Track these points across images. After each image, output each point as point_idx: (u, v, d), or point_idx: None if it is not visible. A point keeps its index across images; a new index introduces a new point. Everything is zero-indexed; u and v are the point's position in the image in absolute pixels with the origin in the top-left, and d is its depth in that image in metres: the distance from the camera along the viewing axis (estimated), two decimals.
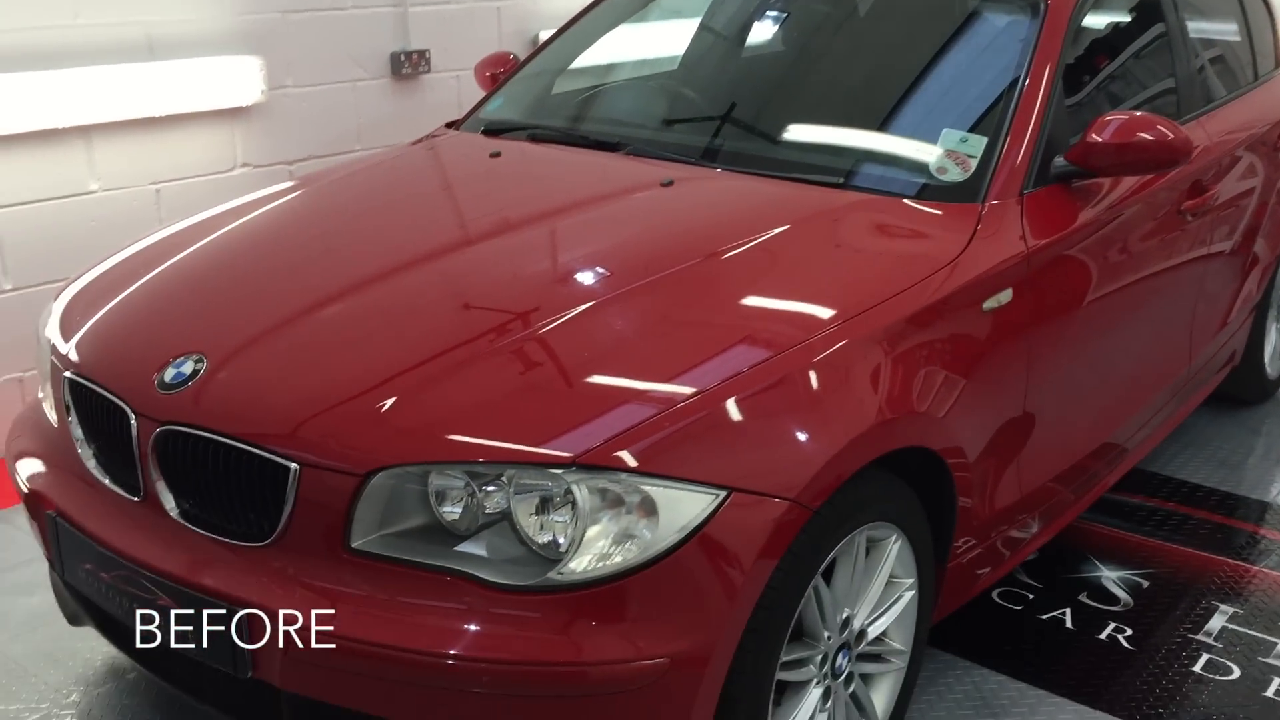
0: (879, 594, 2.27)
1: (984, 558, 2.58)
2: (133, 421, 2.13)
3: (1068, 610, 3.00)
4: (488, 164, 3.00)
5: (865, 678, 2.32)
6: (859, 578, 2.20)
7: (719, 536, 1.88)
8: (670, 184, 2.68)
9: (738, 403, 1.97)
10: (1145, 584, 3.11)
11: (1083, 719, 2.60)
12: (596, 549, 1.85)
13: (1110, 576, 3.14)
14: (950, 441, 2.30)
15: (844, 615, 2.19)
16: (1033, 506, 2.71)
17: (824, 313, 2.19)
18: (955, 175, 2.61)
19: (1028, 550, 2.80)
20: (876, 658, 2.34)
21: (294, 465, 1.93)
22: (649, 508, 1.86)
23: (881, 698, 2.36)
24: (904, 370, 2.21)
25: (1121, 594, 3.07)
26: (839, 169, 2.71)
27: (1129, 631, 2.91)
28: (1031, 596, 3.05)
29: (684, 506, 1.87)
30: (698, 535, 1.87)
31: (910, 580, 2.34)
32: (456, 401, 1.99)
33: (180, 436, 2.06)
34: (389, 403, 1.98)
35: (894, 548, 2.25)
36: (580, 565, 1.85)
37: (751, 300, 2.27)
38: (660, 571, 1.85)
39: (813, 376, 2.07)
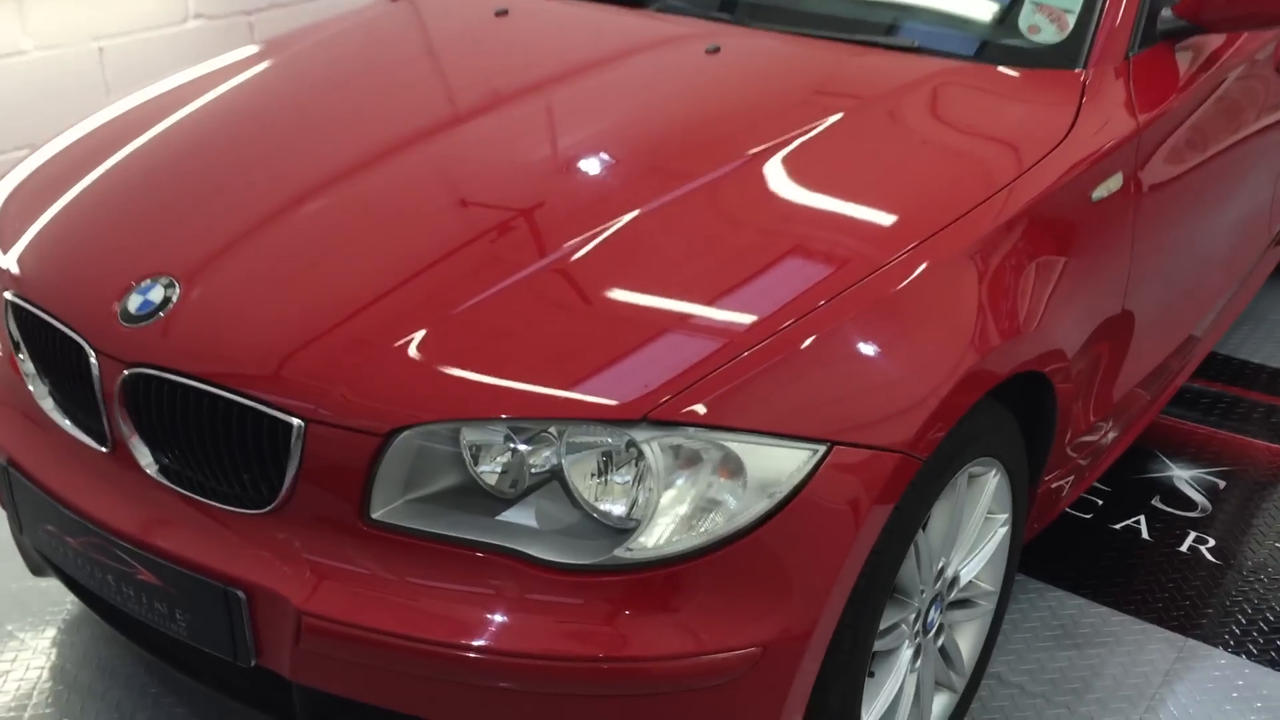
0: (974, 535, 1.98)
1: (1069, 474, 2.30)
2: (93, 360, 1.76)
3: (1142, 518, 2.73)
4: (492, 25, 2.56)
5: (953, 626, 2.06)
6: (956, 521, 1.91)
7: (819, 498, 1.56)
8: (716, 51, 2.27)
9: (829, 339, 1.62)
10: (1221, 484, 2.85)
11: (1174, 649, 2.36)
12: (673, 516, 1.54)
13: (1183, 476, 2.87)
14: (1057, 357, 1.98)
15: (939, 565, 1.90)
16: (1116, 412, 2.42)
17: (914, 222, 1.82)
18: (1050, 34, 2.22)
19: (1109, 460, 2.51)
20: (965, 603, 2.06)
21: (297, 421, 1.59)
22: (734, 467, 1.53)
23: (968, 643, 2.09)
24: (1011, 282, 1.86)
25: (1198, 497, 2.80)
26: (911, 29, 2.31)
27: (1211, 542, 2.65)
28: (1101, 503, 2.78)
29: (776, 465, 1.54)
30: (795, 498, 1.55)
31: (1005, 515, 2.04)
32: (489, 339, 1.63)
33: (153, 381, 1.70)
34: (411, 340, 1.61)
35: (992, 482, 1.96)
36: (655, 538, 1.53)
37: (825, 207, 1.89)
38: (752, 544, 1.53)
39: (912, 302, 1.72)
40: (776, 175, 1.92)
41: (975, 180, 1.92)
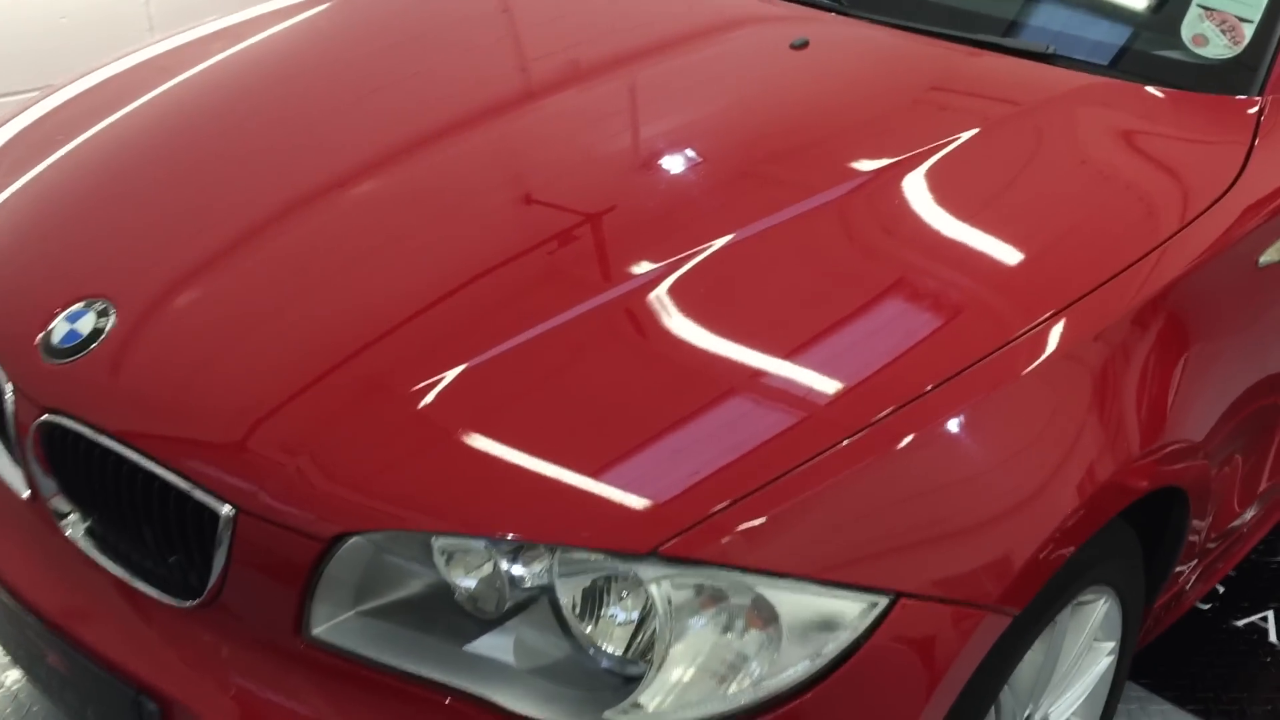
0: (1071, 672, 1.62)
1: (1198, 574, 1.92)
2: (7, 396, 1.46)
3: (1270, 615, 2.34)
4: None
5: None
6: (1050, 661, 1.54)
7: (879, 661, 1.21)
8: (804, 46, 1.89)
9: (924, 445, 1.25)
10: None
11: None
12: (684, 673, 1.20)
13: None
14: (1199, 465, 1.59)
15: (1025, 715, 1.55)
16: (1262, 496, 2.01)
17: (1055, 283, 1.43)
18: (1220, 48, 1.80)
19: (1246, 547, 2.12)
20: None
21: (226, 508, 1.28)
22: (768, 616, 1.20)
23: None
24: (1156, 371, 1.47)
25: None
26: (1042, 33, 1.88)
27: None
28: (1222, 590, 2.38)
29: (825, 618, 1.19)
30: (848, 661, 1.20)
31: (1111, 644, 1.68)
32: (480, 417, 1.28)
33: (69, 431, 1.41)
34: (380, 416, 1.29)
35: (1101, 610, 1.59)
36: (657, 700, 1.20)
37: (954, 249, 1.49)
38: (788, 718, 1.20)
39: (1038, 395, 1.34)
40: (868, 214, 1.55)
41: (1125, 235, 1.52)
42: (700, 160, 1.67)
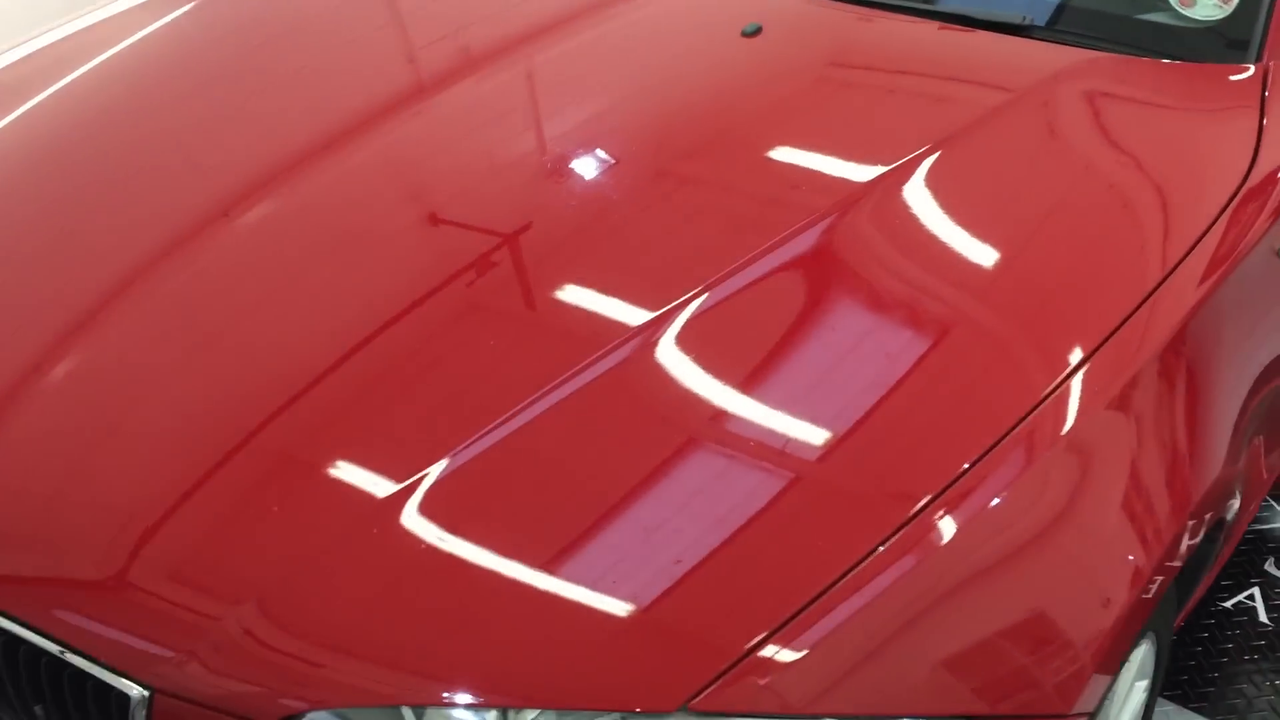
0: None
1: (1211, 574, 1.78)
2: None
3: (1255, 592, 2.24)
4: None
5: None
6: None
7: None
8: (756, 33, 1.67)
9: (957, 548, 1.05)
10: None
11: None
12: None
13: None
14: (1233, 487, 1.45)
15: None
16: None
17: (1063, 329, 1.23)
18: (1209, 9, 1.63)
19: (1241, 533, 1.99)
20: None
21: (138, 691, 1.04)
22: None
23: None
24: (1191, 405, 1.30)
25: None
26: (1015, 2, 1.67)
27: None
28: None
29: None
30: None
31: (1147, 681, 1.53)
32: (445, 549, 1.05)
33: None
34: (321, 536, 1.06)
35: (1140, 656, 1.44)
36: None
37: (934, 305, 1.28)
38: None
39: (1065, 472, 1.14)
40: (892, 228, 1.34)
41: (1142, 252, 1.34)
42: (627, 169, 1.46)
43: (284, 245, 1.42)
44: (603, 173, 1.47)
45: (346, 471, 1.11)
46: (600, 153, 1.51)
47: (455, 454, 1.09)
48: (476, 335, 1.25)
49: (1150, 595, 1.17)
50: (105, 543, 1.09)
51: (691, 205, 1.41)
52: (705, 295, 1.22)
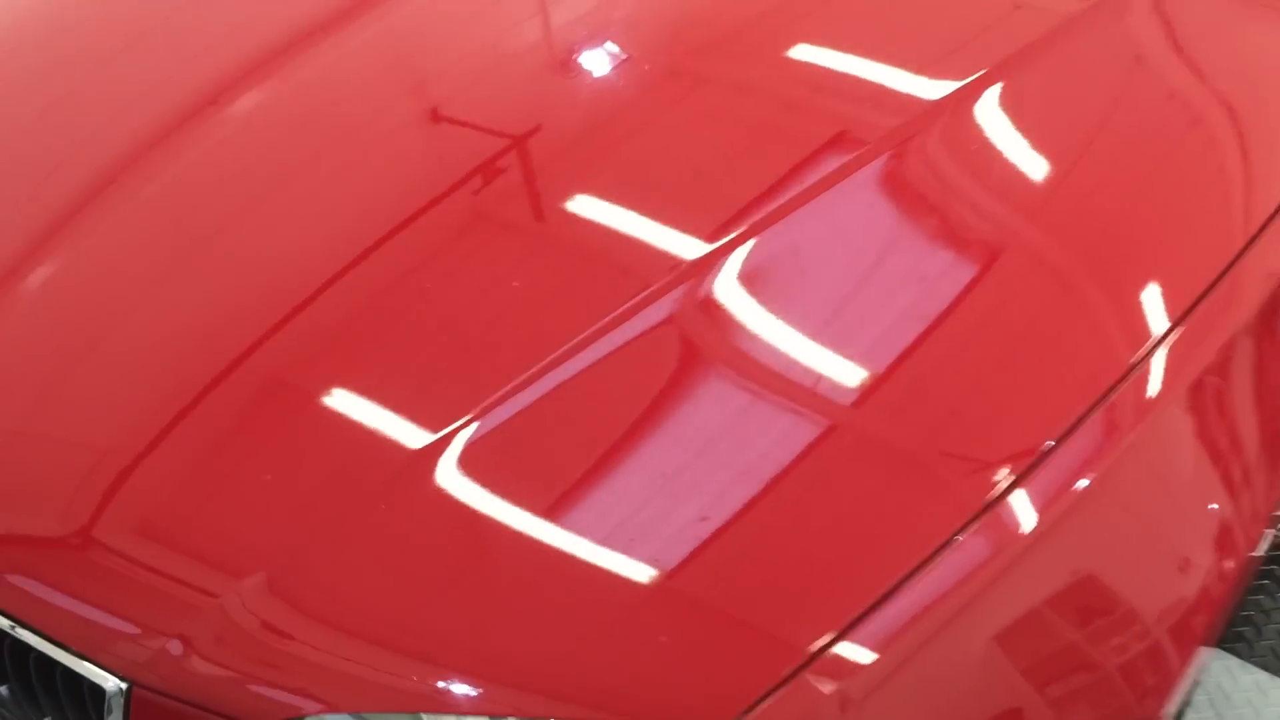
0: None
1: None
2: None
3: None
4: None
5: None
6: None
7: None
8: None
9: (1043, 539, 0.92)
10: None
11: None
12: None
13: None
14: None
15: None
16: None
17: (1175, 280, 1.07)
18: None
19: None
20: None
21: (114, 683, 0.91)
22: None
23: None
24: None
25: None
26: None
27: None
28: None
29: None
30: None
31: None
32: (474, 533, 0.91)
33: None
34: (335, 509, 0.92)
35: None
36: None
37: (1003, 246, 1.11)
38: None
39: (1158, 452, 1.01)
40: (959, 158, 1.17)
41: (1245, 188, 1.19)
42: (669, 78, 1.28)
43: (279, 138, 1.28)
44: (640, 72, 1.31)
45: (364, 418, 0.98)
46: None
47: (485, 412, 0.95)
48: (494, 260, 1.11)
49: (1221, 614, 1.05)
50: (73, 490, 0.96)
51: (728, 114, 1.26)
52: (749, 229, 1.07)
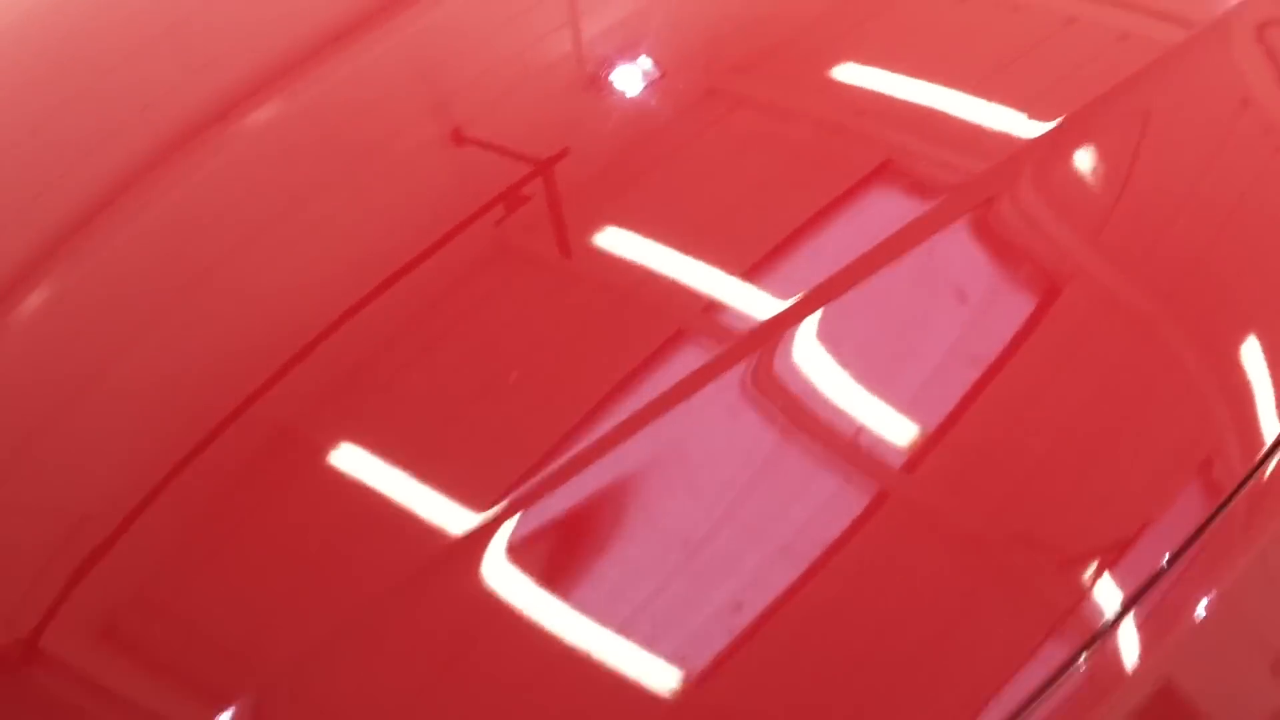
0: None
1: None
2: None
3: None
4: None
5: None
6: None
7: None
8: None
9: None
10: None
11: None
12: None
13: None
14: None
15: None
16: None
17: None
18: None
19: None
20: None
21: None
22: None
23: None
24: None
25: None
26: None
27: None
28: None
29: None
30: None
31: None
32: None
33: None
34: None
35: None
36: None
37: (1122, 320, 0.97)
38: None
39: None
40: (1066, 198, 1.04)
41: None
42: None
43: (290, 159, 1.19)
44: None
45: (380, 497, 0.85)
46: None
47: (518, 498, 0.83)
48: (520, 304, 1.00)
49: None
50: (22, 584, 0.83)
51: (785, 147, 1.14)
52: (816, 292, 0.94)
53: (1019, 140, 1.06)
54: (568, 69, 1.27)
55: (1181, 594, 0.78)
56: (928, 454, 0.84)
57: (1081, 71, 1.14)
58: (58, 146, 1.26)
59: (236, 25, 1.40)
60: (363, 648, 0.76)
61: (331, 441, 0.89)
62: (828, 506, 0.82)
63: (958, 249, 0.98)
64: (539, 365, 0.93)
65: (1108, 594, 0.77)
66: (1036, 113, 1.08)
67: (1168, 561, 0.79)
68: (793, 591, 0.77)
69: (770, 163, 1.10)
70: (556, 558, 0.80)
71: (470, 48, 1.31)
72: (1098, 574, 0.78)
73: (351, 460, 0.88)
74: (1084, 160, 1.06)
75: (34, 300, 1.10)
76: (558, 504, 0.82)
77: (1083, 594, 0.78)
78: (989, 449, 0.85)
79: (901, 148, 1.08)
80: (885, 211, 1.01)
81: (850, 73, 1.19)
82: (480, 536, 0.80)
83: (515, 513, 0.81)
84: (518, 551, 0.80)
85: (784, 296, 0.93)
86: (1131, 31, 1.23)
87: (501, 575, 0.79)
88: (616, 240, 1.04)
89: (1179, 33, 1.19)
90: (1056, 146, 1.04)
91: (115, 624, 0.81)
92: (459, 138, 1.22)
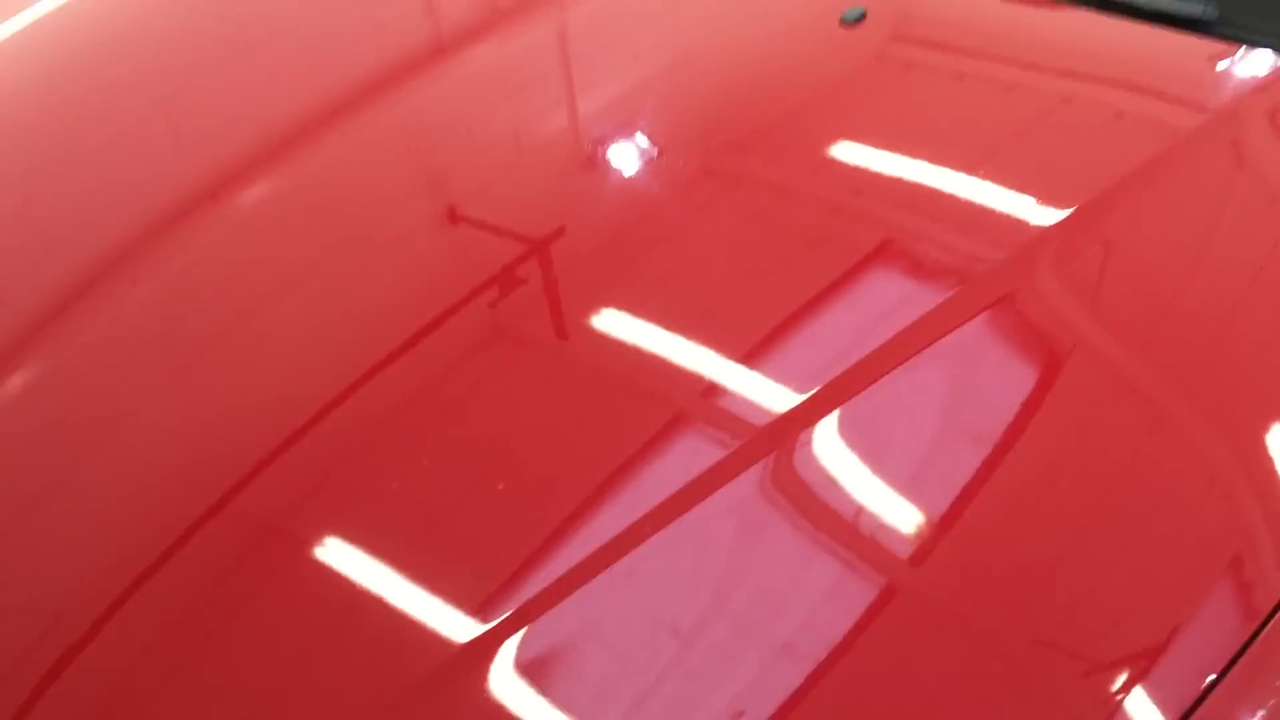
0: None
1: None
2: None
3: None
4: None
5: None
6: None
7: None
8: (859, 21, 1.31)
9: None
10: None
11: None
12: None
13: None
14: None
15: None
16: None
17: None
18: None
19: None
20: None
21: None
22: None
23: None
24: None
25: None
26: None
27: None
28: None
29: None
30: None
31: None
32: None
33: None
34: None
35: None
36: None
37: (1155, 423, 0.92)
38: None
39: None
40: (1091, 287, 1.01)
41: None
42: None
43: (281, 237, 1.16)
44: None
45: (371, 602, 0.81)
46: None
47: (523, 606, 0.78)
48: (516, 390, 0.97)
49: None
50: None
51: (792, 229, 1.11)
52: (836, 385, 0.90)
53: (1033, 227, 1.03)
54: (563, 147, 1.26)
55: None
56: (959, 564, 0.80)
57: (1091, 154, 1.13)
58: (45, 225, 1.24)
59: (228, 100, 1.38)
60: None
61: (319, 540, 0.86)
62: (858, 617, 0.78)
63: (978, 344, 0.95)
64: (542, 458, 0.90)
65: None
66: (1048, 198, 1.06)
67: (1210, 684, 0.74)
68: (807, 694, 0.73)
69: (776, 245, 1.08)
70: (565, 670, 0.76)
71: (463, 125, 1.29)
72: (1138, 694, 0.73)
73: (345, 562, 0.84)
74: (1102, 249, 1.04)
75: (16, 383, 1.07)
76: (567, 616, 0.78)
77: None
78: (1016, 553, 0.81)
79: (910, 231, 1.06)
80: (896, 298, 0.98)
81: (849, 152, 1.17)
82: (486, 645, 0.76)
83: (521, 624, 0.77)
84: (523, 663, 0.76)
85: (796, 387, 0.90)
86: (1128, 111, 1.22)
87: (508, 687, 0.75)
88: (615, 323, 1.02)
89: (1191, 117, 1.18)
90: (1072, 234, 1.02)
91: None
92: (452, 216, 1.20)
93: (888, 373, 0.90)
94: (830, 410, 0.88)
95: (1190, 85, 1.23)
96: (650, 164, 1.20)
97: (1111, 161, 1.10)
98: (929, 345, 0.92)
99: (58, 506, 0.92)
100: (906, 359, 0.91)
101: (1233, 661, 0.73)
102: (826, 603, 0.78)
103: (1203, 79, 1.24)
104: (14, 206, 1.27)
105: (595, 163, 1.23)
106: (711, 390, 0.93)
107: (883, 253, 1.05)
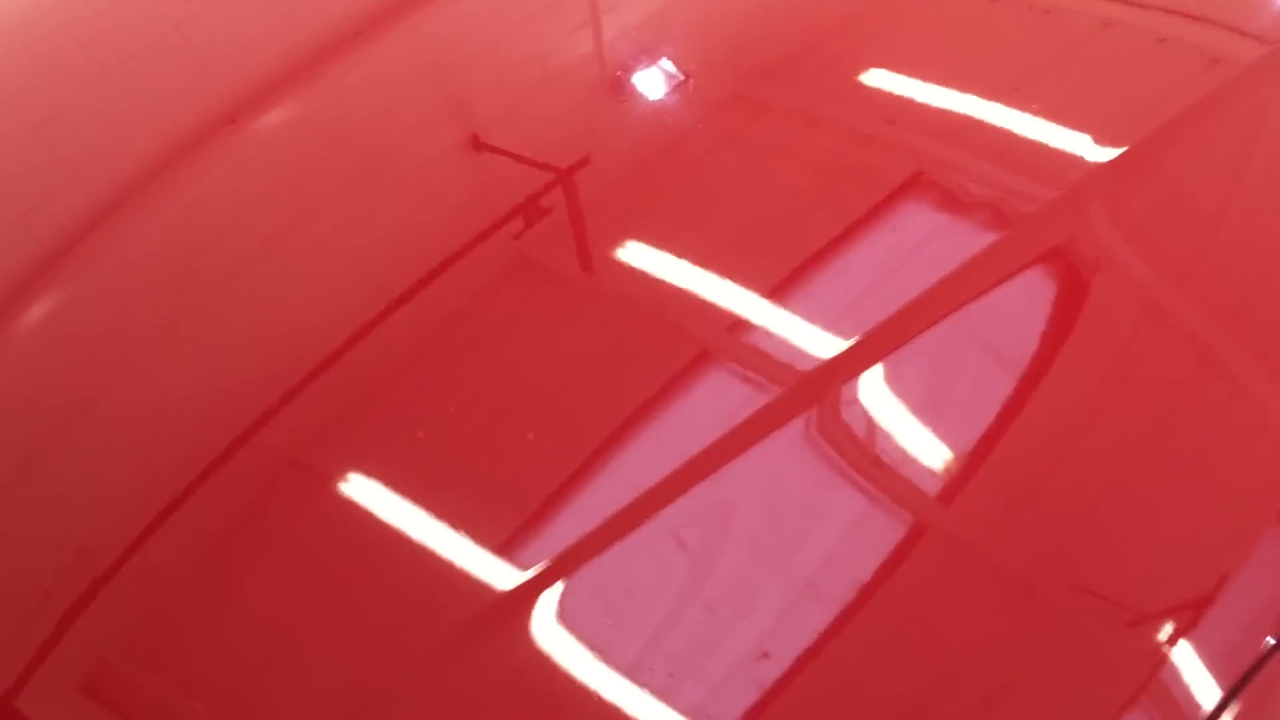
0: None
1: None
2: None
3: None
4: None
5: None
6: None
7: None
8: None
9: None
10: None
11: None
12: None
13: None
14: None
15: None
16: None
17: None
18: None
19: None
20: None
21: None
22: None
23: None
24: None
25: None
26: None
27: None
28: None
29: None
30: None
31: None
32: None
33: None
34: None
35: None
36: None
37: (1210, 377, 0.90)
38: None
39: None
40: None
41: None
42: None
43: (303, 164, 1.14)
44: None
45: (398, 542, 0.81)
46: None
47: (560, 557, 0.78)
48: (545, 328, 0.95)
49: None
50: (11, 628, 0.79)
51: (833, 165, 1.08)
52: (885, 328, 0.88)
53: (1077, 163, 1.00)
54: (588, 71, 1.23)
55: None
56: (1002, 507, 0.79)
57: (1133, 85, 1.09)
58: (62, 148, 1.22)
59: (248, 21, 1.36)
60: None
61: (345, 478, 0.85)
62: (905, 566, 0.76)
63: (1029, 296, 0.92)
64: (570, 393, 0.89)
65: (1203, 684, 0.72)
66: (1091, 131, 1.03)
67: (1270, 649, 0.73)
68: (842, 641, 0.73)
69: (806, 175, 1.05)
70: (604, 617, 0.75)
71: (486, 47, 1.27)
72: (1185, 649, 0.72)
73: (372, 499, 0.84)
74: (1159, 193, 1.01)
75: (37, 312, 1.06)
76: (604, 567, 0.77)
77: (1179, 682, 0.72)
78: (1062, 498, 0.79)
79: (945, 162, 1.03)
80: (929, 232, 0.96)
81: (883, 80, 1.14)
82: (524, 594, 0.75)
83: (560, 573, 0.76)
84: (564, 611, 0.75)
85: (825, 324, 0.89)
86: (1170, 38, 1.18)
87: (549, 636, 0.74)
88: (640, 255, 1.00)
89: (1240, 46, 1.14)
90: (1125, 175, 0.99)
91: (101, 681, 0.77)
92: (475, 143, 1.18)
93: (935, 324, 0.88)
94: (873, 363, 0.86)
95: (1242, 13, 1.19)
96: (677, 89, 1.18)
97: (1156, 93, 1.07)
98: (977, 297, 0.89)
99: (81, 437, 0.92)
100: (953, 310, 0.89)
101: None
102: (865, 547, 0.77)
103: (1258, 6, 1.19)
104: (31, 129, 1.26)
105: (621, 88, 1.21)
106: (738, 325, 0.91)
107: (916, 185, 1.03)
